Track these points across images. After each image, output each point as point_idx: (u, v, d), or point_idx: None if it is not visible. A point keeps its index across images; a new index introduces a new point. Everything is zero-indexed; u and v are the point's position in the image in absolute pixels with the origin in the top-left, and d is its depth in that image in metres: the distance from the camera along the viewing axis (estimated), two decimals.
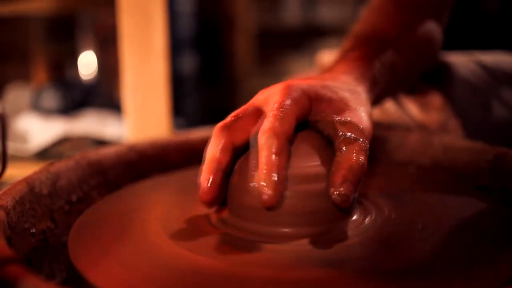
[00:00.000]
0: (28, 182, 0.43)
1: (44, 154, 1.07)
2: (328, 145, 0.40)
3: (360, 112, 0.42)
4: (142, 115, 0.92)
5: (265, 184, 0.36)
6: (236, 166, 0.40)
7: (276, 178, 0.36)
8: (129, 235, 0.39)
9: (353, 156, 0.38)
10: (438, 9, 0.64)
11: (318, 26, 2.77)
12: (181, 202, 0.45)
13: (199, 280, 0.33)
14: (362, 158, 0.38)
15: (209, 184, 0.38)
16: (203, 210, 0.43)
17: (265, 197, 0.36)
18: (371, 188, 0.45)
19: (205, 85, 2.62)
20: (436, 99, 0.65)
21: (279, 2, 2.79)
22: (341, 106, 0.41)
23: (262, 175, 0.36)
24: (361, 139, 0.39)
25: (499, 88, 0.65)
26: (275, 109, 0.38)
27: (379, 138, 0.57)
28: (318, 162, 0.39)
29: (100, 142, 1.08)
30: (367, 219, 0.40)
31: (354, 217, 0.40)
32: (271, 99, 0.40)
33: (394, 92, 0.64)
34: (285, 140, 0.37)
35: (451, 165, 0.52)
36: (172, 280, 0.33)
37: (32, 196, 0.43)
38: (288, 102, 0.38)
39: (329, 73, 0.47)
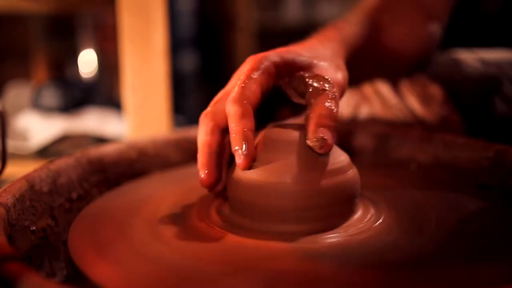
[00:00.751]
0: (28, 179, 0.43)
1: (44, 152, 1.06)
2: None
3: (326, 65, 0.45)
4: (142, 113, 0.92)
5: (237, 147, 0.38)
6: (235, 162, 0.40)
7: (246, 141, 0.38)
8: (129, 232, 0.39)
9: (323, 105, 0.39)
10: (437, 8, 0.65)
11: (319, 24, 2.77)
12: (181, 200, 0.45)
13: (198, 277, 0.33)
14: (331, 104, 0.40)
15: (206, 170, 0.41)
16: (203, 207, 0.43)
17: (238, 160, 0.38)
18: (372, 185, 0.45)
19: (206, 83, 2.62)
20: (437, 94, 0.65)
21: (279, 1, 2.78)
22: (308, 63, 0.44)
23: (232, 140, 0.39)
24: (329, 88, 0.41)
25: (501, 85, 0.65)
26: (240, 80, 0.41)
27: (379, 135, 0.57)
28: (318, 159, 0.39)
29: (100, 140, 1.08)
30: (368, 216, 0.40)
31: (356, 215, 0.40)
32: (241, 75, 0.43)
33: (382, 75, 0.67)
34: (247, 105, 0.40)
35: (451, 162, 0.52)
36: (172, 277, 0.33)
37: (32, 194, 0.43)
38: (254, 72, 0.41)
39: (303, 41, 0.51)
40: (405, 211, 0.41)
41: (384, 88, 0.66)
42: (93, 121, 1.15)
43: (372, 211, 0.41)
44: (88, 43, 1.75)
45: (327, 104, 0.39)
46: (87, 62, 1.70)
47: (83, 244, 0.38)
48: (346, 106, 0.66)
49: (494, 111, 0.64)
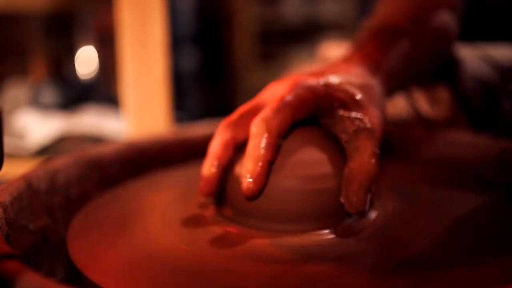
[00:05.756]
0: (26, 178, 0.43)
1: (42, 152, 1.06)
2: (335, 142, 0.40)
3: (371, 111, 0.40)
4: (142, 111, 0.91)
5: (248, 174, 0.36)
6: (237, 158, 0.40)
7: (259, 170, 0.36)
8: (128, 231, 0.39)
9: (368, 161, 0.37)
10: None
11: (319, 21, 2.77)
12: (181, 199, 0.45)
13: (199, 276, 0.33)
14: (373, 161, 0.37)
15: (209, 179, 0.40)
16: (203, 206, 0.42)
17: (245, 186, 0.36)
18: (377, 183, 0.45)
19: (207, 80, 2.63)
20: (444, 93, 0.64)
21: None
22: (351, 104, 0.40)
23: (247, 165, 0.36)
24: (372, 141, 0.38)
25: (508, 83, 0.65)
26: (274, 102, 0.38)
27: (384, 134, 0.56)
28: (325, 160, 0.38)
29: (99, 139, 1.08)
30: (372, 214, 0.39)
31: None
32: (275, 94, 0.40)
33: (410, 84, 0.63)
34: (275, 133, 0.37)
35: (456, 160, 0.51)
36: (172, 276, 0.33)
37: (30, 193, 0.42)
38: (289, 97, 0.38)
39: (342, 65, 0.47)
40: (409, 208, 0.41)
41: None
42: (92, 119, 1.14)
43: (376, 208, 0.40)
44: (86, 41, 1.75)
45: (369, 162, 0.37)
46: (86, 60, 1.70)
47: (82, 244, 0.37)
48: None
49: (501, 110, 0.64)
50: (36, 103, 1.18)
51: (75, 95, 1.23)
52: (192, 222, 0.40)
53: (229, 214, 0.40)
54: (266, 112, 0.38)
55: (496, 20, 0.77)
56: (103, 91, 1.39)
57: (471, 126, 0.63)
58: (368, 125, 0.38)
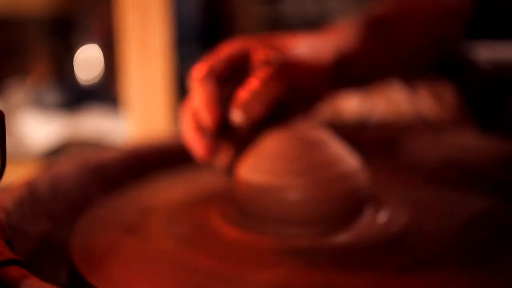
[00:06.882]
0: (29, 184, 0.43)
1: (45, 156, 1.06)
2: (344, 144, 0.40)
3: (296, 49, 0.47)
4: (145, 111, 0.91)
5: (203, 113, 0.41)
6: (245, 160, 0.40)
7: (210, 103, 0.41)
8: (132, 237, 0.39)
9: (260, 79, 0.41)
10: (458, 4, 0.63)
11: (322, 20, 2.77)
12: (183, 203, 0.45)
13: (205, 283, 0.32)
14: (269, 83, 0.41)
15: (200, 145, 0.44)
16: (207, 210, 0.42)
17: (205, 123, 0.41)
18: (382, 186, 0.45)
19: None
20: (450, 92, 0.64)
21: None
22: (279, 43, 0.47)
23: (201, 115, 0.42)
24: (277, 65, 0.42)
25: None
26: (213, 56, 0.45)
27: (389, 137, 0.56)
28: (332, 163, 0.38)
29: (102, 142, 1.08)
30: (377, 217, 0.39)
31: (365, 215, 0.39)
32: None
33: (402, 71, 0.64)
34: (211, 76, 0.43)
35: (462, 162, 0.51)
36: (176, 282, 0.32)
37: (32, 198, 0.42)
38: (226, 48, 0.45)
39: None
40: (414, 211, 0.41)
41: (395, 91, 0.65)
42: (94, 120, 1.14)
43: (381, 211, 0.40)
44: (88, 42, 1.75)
45: (264, 81, 0.41)
46: (88, 61, 1.70)
47: (84, 249, 0.37)
48: (358, 108, 0.65)
49: (509, 110, 0.64)
50: (37, 104, 1.18)
51: (77, 96, 1.23)
52: (196, 226, 0.40)
53: (234, 217, 0.40)
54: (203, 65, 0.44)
55: (504, 18, 0.77)
56: (105, 92, 1.39)
57: (478, 127, 0.63)
58: (279, 53, 0.44)
